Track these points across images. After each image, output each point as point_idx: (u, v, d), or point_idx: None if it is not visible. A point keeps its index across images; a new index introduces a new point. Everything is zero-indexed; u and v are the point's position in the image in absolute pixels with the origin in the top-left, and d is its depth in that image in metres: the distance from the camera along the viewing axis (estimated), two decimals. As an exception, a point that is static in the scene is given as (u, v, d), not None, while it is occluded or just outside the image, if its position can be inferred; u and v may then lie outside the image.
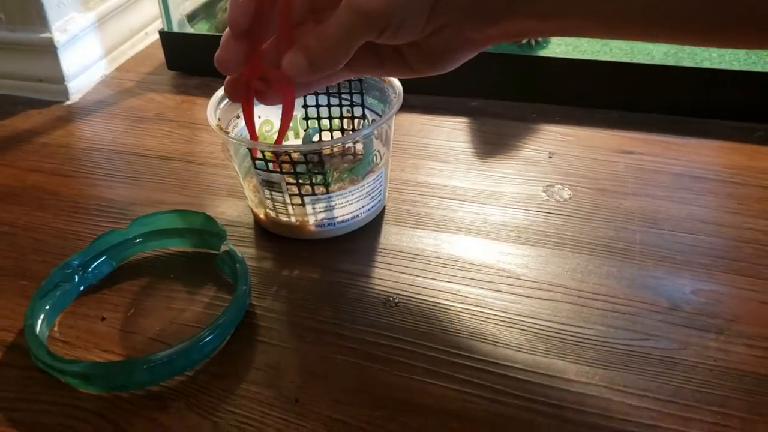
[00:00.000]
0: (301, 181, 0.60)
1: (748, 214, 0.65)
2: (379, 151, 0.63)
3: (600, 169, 0.73)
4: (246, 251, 0.64)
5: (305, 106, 0.71)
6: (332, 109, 0.71)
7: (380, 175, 0.64)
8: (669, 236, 0.63)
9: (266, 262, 0.64)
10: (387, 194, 0.70)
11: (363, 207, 0.64)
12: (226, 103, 0.65)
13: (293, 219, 0.64)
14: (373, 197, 0.64)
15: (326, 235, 0.65)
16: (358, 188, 0.62)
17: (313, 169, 0.59)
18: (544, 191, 0.70)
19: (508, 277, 0.60)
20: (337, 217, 0.64)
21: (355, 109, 0.69)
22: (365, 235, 0.66)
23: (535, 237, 0.64)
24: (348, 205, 0.63)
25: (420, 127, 0.82)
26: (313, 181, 0.60)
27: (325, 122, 0.72)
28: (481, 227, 0.66)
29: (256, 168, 0.60)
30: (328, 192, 0.61)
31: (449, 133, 0.80)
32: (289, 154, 0.58)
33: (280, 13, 0.45)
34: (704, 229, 0.64)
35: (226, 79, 0.50)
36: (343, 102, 0.70)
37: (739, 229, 0.64)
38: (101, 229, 0.66)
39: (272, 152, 0.58)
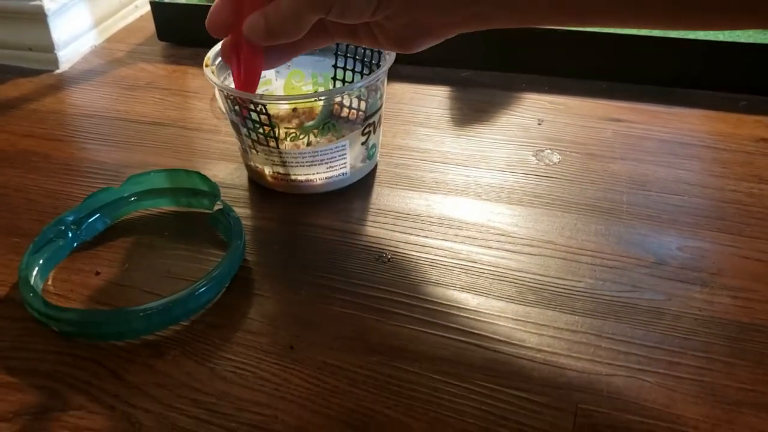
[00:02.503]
0: (250, 129, 0.62)
1: (732, 177, 0.67)
2: (334, 123, 0.64)
3: (588, 135, 0.74)
4: (240, 211, 0.65)
5: (335, 66, 0.72)
6: (355, 75, 0.72)
7: (342, 146, 0.64)
8: (655, 197, 0.65)
9: (260, 221, 0.64)
10: (378, 158, 0.71)
11: (318, 174, 0.65)
12: (219, 61, 0.66)
13: (253, 164, 0.67)
14: (331, 167, 0.65)
15: (290, 191, 0.67)
16: (309, 152, 0.63)
17: (262, 120, 0.61)
18: (534, 155, 0.71)
19: (498, 234, 0.61)
20: (290, 176, 0.65)
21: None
22: (358, 195, 0.66)
23: (525, 198, 0.65)
24: (299, 167, 0.64)
25: (412, 95, 0.83)
26: (261, 132, 0.62)
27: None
28: (472, 189, 0.67)
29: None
30: (278, 148, 0.62)
31: (440, 102, 0.81)
32: (238, 99, 0.60)
33: None
34: (689, 190, 0.65)
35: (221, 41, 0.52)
36: (364, 71, 0.71)
37: (723, 191, 0.65)
38: (93, 189, 0.66)
39: (228, 95, 0.61)
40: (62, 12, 0.90)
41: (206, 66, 0.64)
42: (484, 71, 0.86)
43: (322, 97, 0.65)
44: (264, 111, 0.61)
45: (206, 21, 0.50)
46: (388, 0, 0.43)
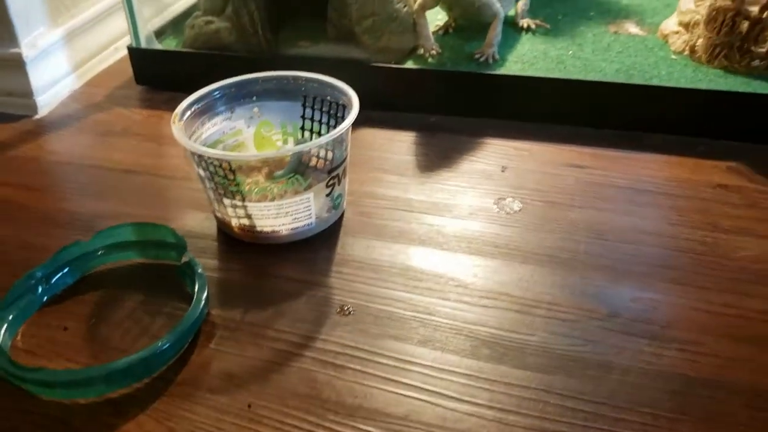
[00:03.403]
0: (216, 184, 0.64)
1: (687, 225, 0.69)
2: (298, 177, 0.66)
3: (550, 182, 0.76)
4: (208, 262, 0.67)
5: (303, 117, 0.75)
6: (322, 126, 0.74)
7: (306, 199, 0.66)
8: (612, 246, 0.66)
9: (226, 273, 0.66)
10: (345, 206, 0.72)
11: (284, 225, 0.67)
12: (189, 114, 0.68)
13: (220, 215, 0.69)
14: (297, 218, 0.66)
15: (256, 241, 0.68)
16: (275, 206, 0.65)
17: (228, 177, 0.63)
18: (495, 203, 0.73)
19: (457, 286, 0.63)
20: (256, 227, 0.67)
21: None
22: (324, 244, 0.68)
23: (485, 247, 0.67)
24: (265, 219, 0.66)
25: (382, 142, 0.85)
26: (227, 187, 0.64)
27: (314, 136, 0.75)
28: (434, 238, 0.68)
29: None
30: (244, 202, 0.64)
31: (408, 148, 0.83)
32: (205, 158, 0.62)
33: None
34: (645, 239, 0.67)
35: None
36: (330, 122, 0.73)
37: (678, 240, 0.67)
38: (67, 241, 0.67)
39: (194, 153, 0.63)
40: (41, 58, 0.92)
41: (173, 123, 0.66)
42: (453, 116, 0.88)
43: (289, 153, 0.67)
44: (230, 168, 0.62)
45: None
46: None
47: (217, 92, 0.71)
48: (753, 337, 0.56)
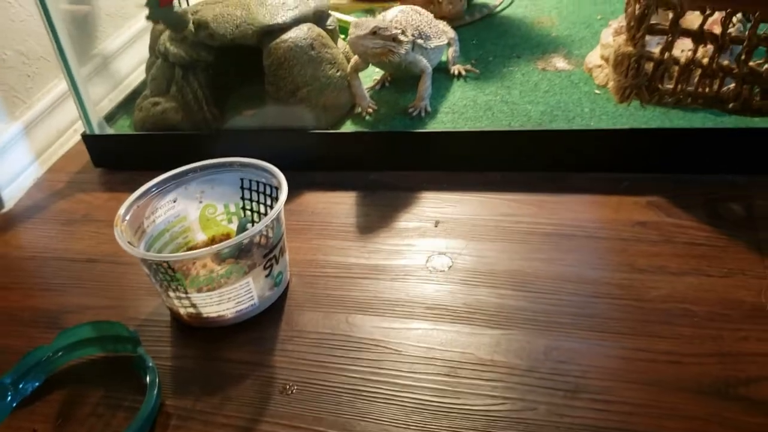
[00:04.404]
0: (161, 281, 0.70)
1: (607, 268, 0.73)
2: (234, 270, 0.70)
3: (480, 234, 0.80)
4: (162, 350, 0.72)
5: (243, 198, 0.80)
6: (261, 206, 0.79)
7: (246, 283, 0.71)
8: (534, 298, 0.71)
9: (179, 360, 0.71)
10: (289, 277, 0.77)
11: (228, 310, 0.72)
12: (132, 213, 0.74)
13: (168, 304, 0.74)
14: (240, 302, 0.72)
15: (204, 326, 0.73)
16: (216, 294, 0.70)
17: (168, 273, 0.68)
18: (426, 262, 0.77)
19: (390, 353, 0.67)
20: (202, 314, 0.72)
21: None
22: (269, 322, 0.73)
23: (416, 310, 0.72)
24: (210, 306, 0.71)
25: (324, 204, 0.89)
26: (171, 284, 0.69)
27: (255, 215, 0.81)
28: (371, 304, 0.73)
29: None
30: (187, 294, 0.69)
31: (349, 209, 0.88)
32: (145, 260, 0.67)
33: None
34: (566, 287, 0.72)
35: None
36: (267, 201, 0.78)
37: (597, 285, 0.71)
38: (34, 340, 0.73)
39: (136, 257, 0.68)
40: (2, 153, 0.98)
41: (116, 226, 0.71)
42: (391, 171, 0.93)
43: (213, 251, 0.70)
44: (168, 266, 0.67)
45: None
46: None
47: (154, 188, 0.76)
48: (658, 381, 0.61)
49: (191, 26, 0.87)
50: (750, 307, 0.67)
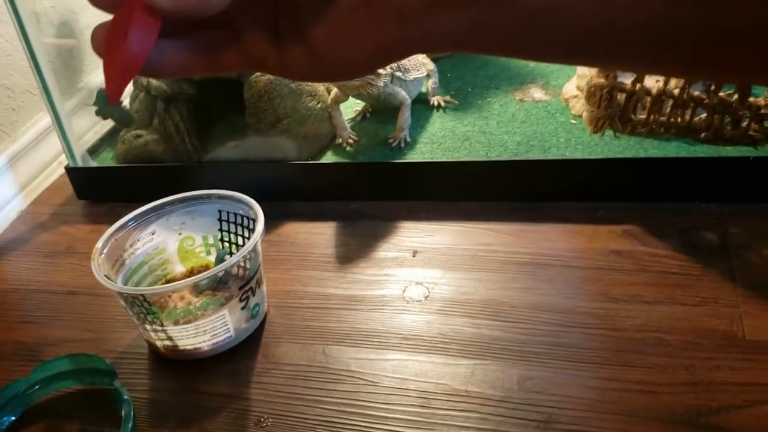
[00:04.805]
0: (137, 314, 0.70)
1: (582, 297, 0.74)
2: (210, 303, 0.71)
3: (457, 263, 0.81)
4: (139, 382, 0.72)
5: (221, 230, 0.81)
6: (239, 237, 0.80)
7: (222, 316, 0.71)
8: (509, 327, 0.71)
9: (156, 392, 0.71)
10: (266, 308, 0.78)
11: (204, 342, 0.72)
12: (110, 246, 0.74)
13: (146, 337, 0.74)
14: (215, 334, 0.72)
15: (181, 358, 0.74)
16: (192, 327, 0.70)
17: (143, 306, 0.68)
18: (403, 292, 0.78)
19: (366, 384, 0.68)
20: (179, 347, 0.72)
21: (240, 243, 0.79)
22: (246, 353, 0.73)
23: (391, 341, 0.72)
24: (186, 339, 0.71)
25: (305, 235, 0.90)
26: (147, 317, 0.69)
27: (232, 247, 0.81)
28: (349, 335, 0.74)
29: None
30: (163, 326, 0.70)
31: (329, 239, 0.89)
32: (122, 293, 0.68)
33: None
34: (541, 317, 0.72)
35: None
36: (244, 233, 0.79)
37: (572, 314, 0.72)
38: (13, 373, 0.73)
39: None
40: (-14, 187, 0.98)
41: (93, 260, 0.71)
42: (371, 201, 0.94)
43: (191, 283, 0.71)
44: (144, 298, 0.68)
45: None
46: None
47: (132, 221, 0.77)
48: (631, 411, 0.61)
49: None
50: (722, 335, 0.67)
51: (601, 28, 0.28)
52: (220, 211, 0.80)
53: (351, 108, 1.05)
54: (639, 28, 0.27)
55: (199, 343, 0.72)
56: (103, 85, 0.36)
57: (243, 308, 0.73)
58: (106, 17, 0.33)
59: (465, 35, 0.30)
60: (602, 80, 0.80)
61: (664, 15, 0.26)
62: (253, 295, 0.74)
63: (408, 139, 0.96)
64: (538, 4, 0.27)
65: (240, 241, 0.80)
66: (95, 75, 1.18)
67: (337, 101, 0.98)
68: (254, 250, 0.71)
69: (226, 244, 0.81)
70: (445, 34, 0.30)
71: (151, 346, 0.75)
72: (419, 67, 1.03)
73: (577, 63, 0.34)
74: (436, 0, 0.29)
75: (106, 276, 0.69)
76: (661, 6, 0.26)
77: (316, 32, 0.33)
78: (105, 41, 0.34)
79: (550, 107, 0.99)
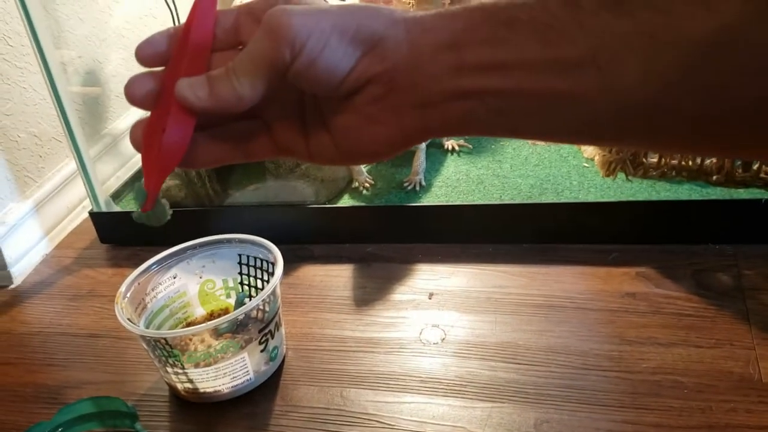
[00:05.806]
0: (159, 357, 0.71)
1: (596, 339, 0.74)
2: (230, 345, 0.72)
3: (471, 306, 0.82)
4: (160, 425, 0.73)
5: (241, 273, 0.83)
6: (258, 281, 0.81)
7: (242, 359, 0.72)
8: (525, 370, 0.72)
9: (176, 436, 0.72)
10: (285, 351, 0.79)
11: (224, 385, 0.73)
12: (133, 291, 0.76)
13: (166, 379, 0.75)
14: (235, 377, 0.73)
15: (201, 401, 0.75)
16: (212, 369, 0.72)
17: (165, 349, 0.70)
18: (419, 334, 0.79)
19: (383, 428, 0.68)
20: (199, 389, 0.73)
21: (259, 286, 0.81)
22: (264, 396, 0.74)
23: (409, 384, 0.73)
24: (206, 381, 0.72)
25: (321, 278, 0.92)
26: (168, 360, 0.71)
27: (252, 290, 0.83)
28: (366, 378, 0.74)
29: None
30: (184, 369, 0.71)
31: (346, 282, 0.90)
32: (144, 336, 0.70)
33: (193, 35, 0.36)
34: (556, 359, 0.73)
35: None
36: (264, 276, 0.81)
37: (586, 356, 0.72)
38: (35, 416, 0.74)
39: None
40: (12, 233, 1.01)
41: (116, 303, 0.73)
42: (387, 243, 0.95)
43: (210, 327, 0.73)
44: (166, 342, 0.69)
45: (125, 90, 0.36)
46: (369, 62, 0.32)
47: (155, 265, 0.79)
48: (648, 455, 0.61)
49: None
50: (738, 378, 0.68)
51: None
52: (240, 255, 0.82)
53: (367, 152, 1.08)
54: (646, 116, 0.29)
55: (219, 385, 0.73)
56: (141, 181, 0.39)
57: (262, 351, 0.74)
58: (132, 64, 0.35)
59: (483, 123, 0.33)
60: (613, 125, 0.82)
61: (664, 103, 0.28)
62: (272, 337, 0.75)
63: (423, 183, 0.98)
64: (545, 89, 0.30)
65: (259, 284, 0.82)
66: (119, 121, 1.22)
67: (354, 146, 1.00)
68: (273, 293, 0.73)
69: (246, 287, 0.83)
70: (463, 122, 0.33)
71: (172, 389, 0.76)
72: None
73: (586, 143, 0.39)
74: (454, 93, 0.32)
75: (128, 319, 0.71)
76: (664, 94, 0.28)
77: (337, 124, 0.35)
78: (143, 137, 0.36)
79: (563, 151, 1.01)
